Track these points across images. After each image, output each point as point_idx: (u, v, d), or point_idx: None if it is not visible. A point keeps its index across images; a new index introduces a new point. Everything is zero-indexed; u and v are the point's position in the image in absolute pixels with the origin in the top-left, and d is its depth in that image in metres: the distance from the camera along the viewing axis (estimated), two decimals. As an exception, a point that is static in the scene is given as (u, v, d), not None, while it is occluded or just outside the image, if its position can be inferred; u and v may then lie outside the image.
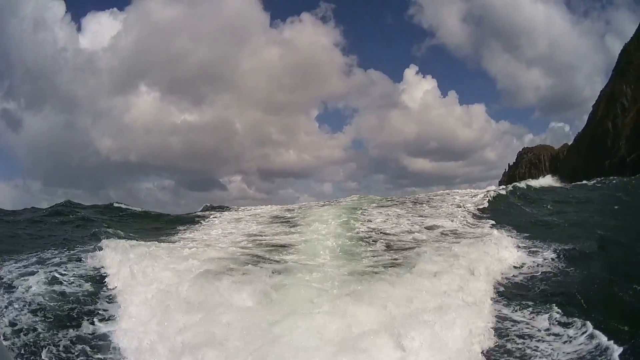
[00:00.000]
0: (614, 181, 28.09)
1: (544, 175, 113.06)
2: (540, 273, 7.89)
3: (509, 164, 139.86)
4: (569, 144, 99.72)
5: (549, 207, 17.86)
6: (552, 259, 8.57)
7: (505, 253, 8.76)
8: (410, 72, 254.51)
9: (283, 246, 10.81)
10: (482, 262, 7.90)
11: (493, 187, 28.58)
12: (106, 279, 7.21)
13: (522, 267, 8.32)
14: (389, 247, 10.50)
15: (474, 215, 14.93)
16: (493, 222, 13.43)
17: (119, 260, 7.75)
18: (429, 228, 13.01)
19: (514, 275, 7.84)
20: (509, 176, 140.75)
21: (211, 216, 18.47)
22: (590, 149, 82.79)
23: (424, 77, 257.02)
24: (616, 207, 16.03)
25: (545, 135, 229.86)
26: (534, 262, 8.50)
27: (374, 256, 9.63)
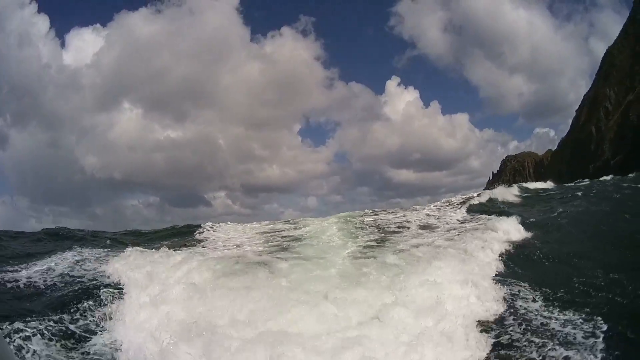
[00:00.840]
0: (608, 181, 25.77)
1: (528, 182, 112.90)
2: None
3: (492, 172, 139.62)
4: (554, 149, 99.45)
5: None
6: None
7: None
8: (392, 84, 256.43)
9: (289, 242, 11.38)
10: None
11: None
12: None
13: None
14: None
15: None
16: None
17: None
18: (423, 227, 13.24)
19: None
20: (493, 184, 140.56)
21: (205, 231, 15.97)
22: (574, 154, 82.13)
23: (405, 88, 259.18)
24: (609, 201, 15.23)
25: (530, 142, 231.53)
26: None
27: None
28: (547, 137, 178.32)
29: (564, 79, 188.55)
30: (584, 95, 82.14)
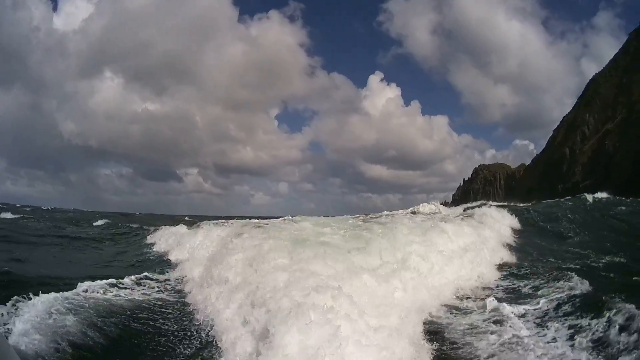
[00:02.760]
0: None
1: (498, 193, 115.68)
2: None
3: (464, 178, 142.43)
4: (526, 164, 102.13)
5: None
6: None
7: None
8: (375, 79, 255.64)
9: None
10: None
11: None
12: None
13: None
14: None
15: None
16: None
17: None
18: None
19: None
20: (463, 191, 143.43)
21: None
22: (545, 172, 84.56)
23: (388, 84, 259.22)
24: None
25: (508, 152, 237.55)
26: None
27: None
28: (525, 150, 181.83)
29: (550, 96, 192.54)
30: (564, 116, 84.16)
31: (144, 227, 19.49)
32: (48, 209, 60.20)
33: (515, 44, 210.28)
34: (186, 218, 36.20)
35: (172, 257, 10.55)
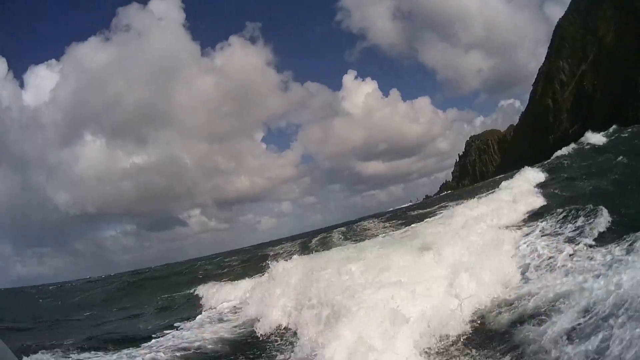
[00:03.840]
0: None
1: (494, 159, 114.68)
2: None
3: (458, 154, 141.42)
4: (514, 124, 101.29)
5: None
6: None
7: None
8: (349, 78, 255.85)
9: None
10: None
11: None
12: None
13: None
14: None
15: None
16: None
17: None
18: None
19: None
20: (461, 166, 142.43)
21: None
22: (534, 128, 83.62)
23: (363, 80, 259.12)
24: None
25: (496, 115, 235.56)
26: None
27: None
28: (512, 109, 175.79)
29: (522, 50, 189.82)
30: (539, 69, 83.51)
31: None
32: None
33: (475, 8, 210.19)
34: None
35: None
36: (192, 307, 12.50)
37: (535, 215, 9.49)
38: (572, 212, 8.02)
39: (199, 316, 10.08)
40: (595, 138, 30.03)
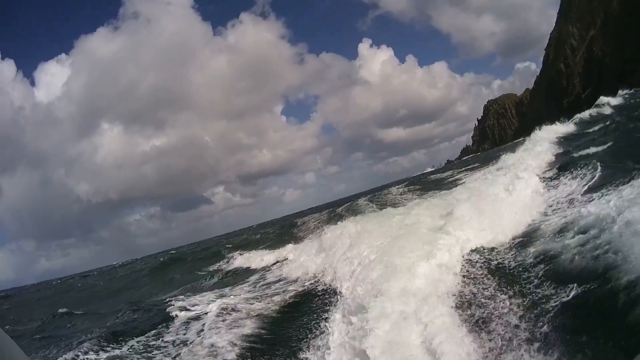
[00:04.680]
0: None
1: (512, 123, 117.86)
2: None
3: (477, 118, 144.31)
4: (530, 88, 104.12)
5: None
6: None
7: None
8: (364, 46, 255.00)
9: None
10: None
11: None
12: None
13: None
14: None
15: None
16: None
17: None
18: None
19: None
20: (480, 130, 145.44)
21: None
22: (549, 91, 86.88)
23: (378, 47, 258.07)
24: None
25: (513, 78, 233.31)
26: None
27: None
28: (529, 71, 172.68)
29: (533, 11, 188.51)
30: (550, 33, 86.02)
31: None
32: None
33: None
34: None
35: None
36: (241, 274, 13.15)
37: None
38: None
39: (252, 277, 10.56)
40: (613, 100, 31.09)
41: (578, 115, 32.01)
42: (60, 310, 13.59)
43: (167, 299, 9.24)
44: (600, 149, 10.95)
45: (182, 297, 9.14)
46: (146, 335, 6.49)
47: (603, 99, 33.73)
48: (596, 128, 17.49)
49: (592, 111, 29.23)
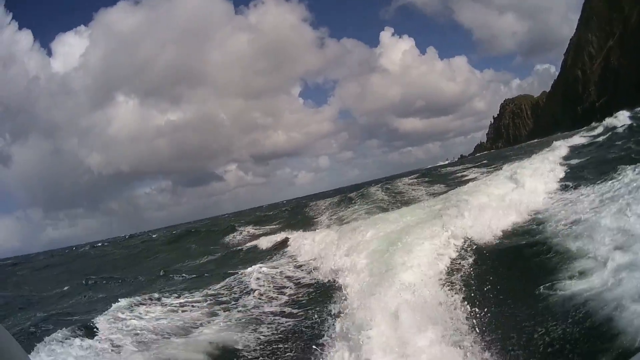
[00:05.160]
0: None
1: (527, 124, 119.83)
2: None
3: (493, 116, 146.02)
4: (547, 91, 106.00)
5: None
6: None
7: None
8: (386, 35, 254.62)
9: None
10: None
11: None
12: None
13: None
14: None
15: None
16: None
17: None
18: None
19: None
20: (495, 128, 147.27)
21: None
22: (565, 96, 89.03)
23: (400, 37, 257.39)
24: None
25: (532, 79, 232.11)
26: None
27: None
28: (548, 74, 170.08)
29: (555, 14, 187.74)
30: (570, 39, 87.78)
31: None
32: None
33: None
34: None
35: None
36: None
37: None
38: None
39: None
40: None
41: (594, 125, 32.64)
42: (89, 277, 13.33)
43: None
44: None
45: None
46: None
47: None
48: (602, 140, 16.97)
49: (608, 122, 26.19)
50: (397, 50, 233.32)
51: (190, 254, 16.57)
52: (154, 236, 33.26)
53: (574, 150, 15.00)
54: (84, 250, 37.94)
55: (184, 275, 10.29)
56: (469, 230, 6.28)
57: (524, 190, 7.99)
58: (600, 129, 23.80)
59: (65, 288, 12.43)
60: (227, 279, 7.75)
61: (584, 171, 9.44)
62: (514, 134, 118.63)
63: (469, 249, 5.91)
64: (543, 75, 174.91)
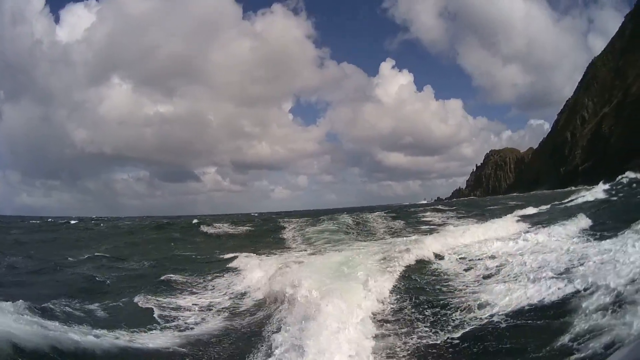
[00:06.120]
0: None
1: (508, 177, 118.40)
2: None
3: (476, 164, 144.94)
4: (534, 148, 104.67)
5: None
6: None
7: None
8: (387, 66, 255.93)
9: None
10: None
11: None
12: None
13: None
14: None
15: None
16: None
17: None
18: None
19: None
20: (476, 176, 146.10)
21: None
22: (551, 155, 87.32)
23: (400, 71, 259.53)
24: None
25: (524, 132, 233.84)
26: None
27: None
28: (541, 130, 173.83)
29: (560, 73, 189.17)
30: (566, 100, 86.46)
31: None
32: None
33: (520, 22, 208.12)
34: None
35: None
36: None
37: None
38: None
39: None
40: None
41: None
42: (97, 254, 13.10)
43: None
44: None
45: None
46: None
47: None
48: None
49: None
50: (394, 83, 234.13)
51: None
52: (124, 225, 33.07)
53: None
54: (78, 223, 37.44)
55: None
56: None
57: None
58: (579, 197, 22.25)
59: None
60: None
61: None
62: (493, 185, 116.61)
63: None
64: (536, 131, 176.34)
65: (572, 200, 20.61)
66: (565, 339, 3.56)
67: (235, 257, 11.42)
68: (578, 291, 4.52)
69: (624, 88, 65.31)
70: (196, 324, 5.84)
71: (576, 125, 76.76)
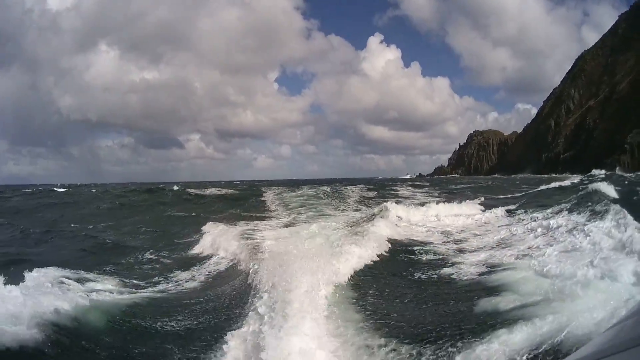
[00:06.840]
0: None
1: (491, 158, 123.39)
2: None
3: (459, 143, 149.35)
4: (518, 132, 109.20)
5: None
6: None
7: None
8: (375, 40, 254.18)
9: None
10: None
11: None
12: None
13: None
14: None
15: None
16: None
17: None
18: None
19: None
20: (459, 155, 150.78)
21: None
22: (534, 141, 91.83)
23: (388, 46, 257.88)
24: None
25: (510, 115, 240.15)
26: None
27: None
28: (528, 114, 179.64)
29: (551, 61, 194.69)
30: (553, 89, 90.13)
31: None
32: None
33: (514, 7, 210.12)
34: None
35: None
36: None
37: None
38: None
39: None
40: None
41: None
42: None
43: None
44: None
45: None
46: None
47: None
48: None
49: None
50: (381, 57, 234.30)
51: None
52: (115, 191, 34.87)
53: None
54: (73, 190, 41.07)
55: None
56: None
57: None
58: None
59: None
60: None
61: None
62: (475, 165, 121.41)
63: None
64: (523, 115, 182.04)
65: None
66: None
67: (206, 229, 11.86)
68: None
69: (611, 85, 69.04)
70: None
71: (561, 114, 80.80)
